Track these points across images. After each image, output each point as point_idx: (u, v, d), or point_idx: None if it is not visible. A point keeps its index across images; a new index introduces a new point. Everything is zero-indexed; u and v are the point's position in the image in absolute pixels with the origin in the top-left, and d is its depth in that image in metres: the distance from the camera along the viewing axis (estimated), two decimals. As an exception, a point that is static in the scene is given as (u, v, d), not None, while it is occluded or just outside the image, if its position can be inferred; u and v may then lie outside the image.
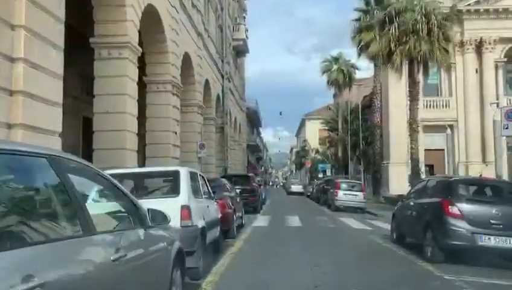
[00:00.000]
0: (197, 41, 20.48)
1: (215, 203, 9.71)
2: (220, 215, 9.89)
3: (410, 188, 28.21)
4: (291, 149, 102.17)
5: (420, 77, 28.34)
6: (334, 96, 66.30)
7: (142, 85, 14.57)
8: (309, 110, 70.50)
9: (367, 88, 59.56)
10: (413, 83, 27.96)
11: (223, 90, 28.02)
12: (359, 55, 35.61)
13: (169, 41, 15.52)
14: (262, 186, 29.46)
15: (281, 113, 48.69)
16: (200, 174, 8.95)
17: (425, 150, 44.60)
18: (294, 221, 17.51)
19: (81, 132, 16.13)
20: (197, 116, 20.40)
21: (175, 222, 5.66)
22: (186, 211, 6.81)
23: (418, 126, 28.21)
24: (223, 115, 27.99)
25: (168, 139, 16.19)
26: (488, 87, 43.69)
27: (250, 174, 22.00)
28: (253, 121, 51.40)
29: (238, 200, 15.06)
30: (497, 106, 39.57)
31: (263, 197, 29.31)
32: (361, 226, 16.44)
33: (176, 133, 16.44)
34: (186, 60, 18.72)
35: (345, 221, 18.36)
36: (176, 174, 7.46)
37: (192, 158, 20.27)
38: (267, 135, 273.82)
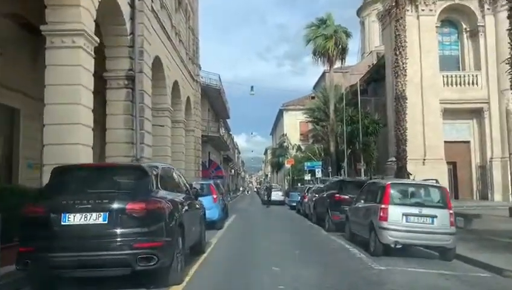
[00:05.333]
0: None
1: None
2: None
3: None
4: (266, 151, 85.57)
5: None
6: (317, 84, 51.42)
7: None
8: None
9: (354, 76, 45.55)
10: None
11: (133, 5, 12.47)
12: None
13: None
14: (215, 196, 13.96)
15: (252, 88, 33.36)
16: None
17: (445, 142, 29.93)
18: None
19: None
20: None
21: None
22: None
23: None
24: (133, 53, 12.43)
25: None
26: (530, 56, 29.71)
27: (144, 167, 6.19)
28: (216, 106, 35.56)
29: None
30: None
31: (218, 216, 13.87)
32: None
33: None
34: None
35: None
36: None
37: None
38: (241, 140, 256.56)
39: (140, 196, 5.75)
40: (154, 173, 6.31)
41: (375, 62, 40.98)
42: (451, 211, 8.83)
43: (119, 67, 12.39)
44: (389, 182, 9.19)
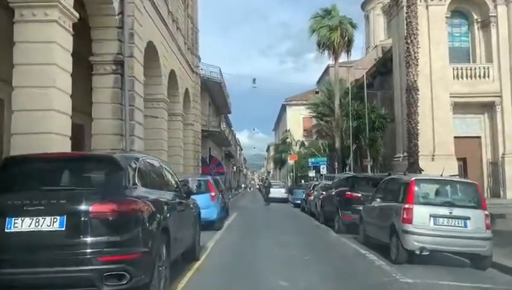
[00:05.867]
0: None
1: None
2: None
3: None
4: (268, 147, 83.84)
5: None
6: (320, 79, 49.94)
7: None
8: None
9: (358, 70, 44.27)
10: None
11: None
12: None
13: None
14: (213, 194, 12.55)
15: (254, 81, 31.88)
16: None
17: (455, 137, 28.48)
18: None
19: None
20: None
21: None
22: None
23: None
24: (122, 36, 11.09)
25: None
26: (545, 48, 28.11)
27: (117, 158, 4.78)
28: (217, 100, 34.19)
29: None
30: None
31: (217, 216, 12.50)
32: None
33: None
34: None
35: None
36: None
37: None
38: (243, 137, 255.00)
39: (111, 195, 4.42)
40: (132, 166, 4.97)
41: (380, 56, 39.63)
42: (486, 212, 7.48)
43: (106, 51, 11.07)
44: (414, 178, 7.82)
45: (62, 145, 7.86)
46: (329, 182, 16.10)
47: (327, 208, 13.59)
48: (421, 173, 18.10)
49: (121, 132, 10.98)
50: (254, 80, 31.82)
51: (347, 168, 29.36)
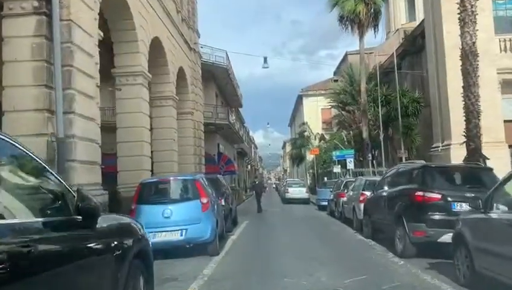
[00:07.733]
0: None
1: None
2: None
3: None
4: (284, 144, 78.33)
5: None
6: (338, 68, 45.17)
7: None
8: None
9: (379, 57, 39.72)
10: None
11: None
12: None
13: None
14: (205, 201, 8.03)
15: (265, 60, 27.49)
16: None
17: (504, 121, 23.69)
18: None
19: None
20: None
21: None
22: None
23: None
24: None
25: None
26: None
27: None
28: (226, 91, 29.50)
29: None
30: None
31: (210, 233, 7.92)
32: None
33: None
34: None
35: None
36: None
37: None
38: (258, 137, 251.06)
39: None
40: None
41: (404, 38, 35.12)
42: None
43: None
44: None
45: None
46: (373, 178, 11.51)
47: (377, 216, 8.89)
48: (485, 162, 13.41)
49: (47, 107, 6.64)
50: (265, 58, 27.35)
51: (374, 161, 24.83)
